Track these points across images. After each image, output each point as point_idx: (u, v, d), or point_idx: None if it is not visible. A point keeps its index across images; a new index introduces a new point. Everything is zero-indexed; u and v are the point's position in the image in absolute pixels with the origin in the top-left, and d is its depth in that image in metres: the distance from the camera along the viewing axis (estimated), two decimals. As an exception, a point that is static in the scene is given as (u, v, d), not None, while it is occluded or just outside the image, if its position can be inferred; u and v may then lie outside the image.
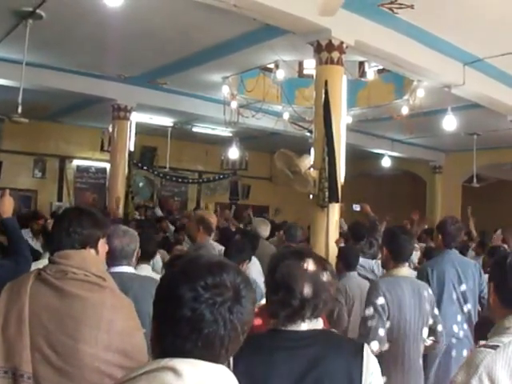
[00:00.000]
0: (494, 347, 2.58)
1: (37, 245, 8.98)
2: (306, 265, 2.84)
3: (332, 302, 2.98)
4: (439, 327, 4.85)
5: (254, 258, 7.32)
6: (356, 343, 3.03)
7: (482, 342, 2.83)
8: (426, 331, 4.73)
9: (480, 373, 2.50)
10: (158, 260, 8.02)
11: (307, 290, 2.79)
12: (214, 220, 7.74)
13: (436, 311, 4.85)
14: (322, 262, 2.93)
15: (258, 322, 3.33)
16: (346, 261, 7.00)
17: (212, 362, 1.79)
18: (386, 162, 22.50)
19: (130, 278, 4.46)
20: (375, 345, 4.33)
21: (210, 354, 1.79)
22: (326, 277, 2.87)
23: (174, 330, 1.78)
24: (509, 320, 2.75)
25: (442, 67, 11.44)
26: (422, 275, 5.77)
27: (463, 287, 5.89)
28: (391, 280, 4.73)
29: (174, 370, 1.71)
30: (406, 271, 4.85)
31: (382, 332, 4.43)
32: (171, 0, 8.97)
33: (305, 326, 2.80)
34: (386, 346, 4.49)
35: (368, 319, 4.50)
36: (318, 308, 2.82)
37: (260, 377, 2.70)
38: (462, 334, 5.82)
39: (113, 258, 4.44)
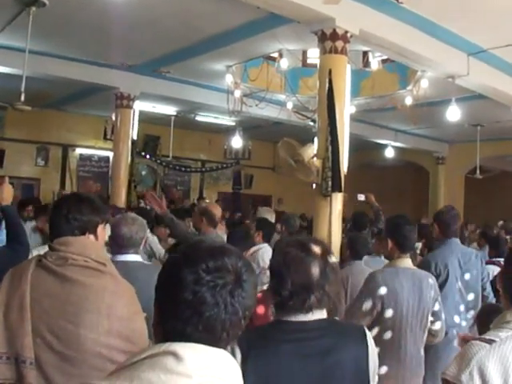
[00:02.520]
0: (490, 341, 2.51)
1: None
2: (313, 255, 2.83)
3: (337, 291, 2.98)
4: (437, 325, 4.83)
5: (267, 246, 7.37)
6: (358, 328, 3.03)
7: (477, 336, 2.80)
8: (428, 323, 4.71)
9: (471, 367, 2.43)
10: (159, 248, 8.07)
11: (315, 281, 2.78)
12: (217, 211, 7.72)
13: (437, 307, 4.80)
14: (327, 253, 2.92)
15: (260, 310, 3.32)
16: (354, 249, 6.97)
17: (213, 346, 1.78)
18: (390, 153, 22.51)
19: (136, 266, 4.46)
20: None
21: (210, 338, 1.78)
22: (331, 267, 2.87)
23: (175, 313, 1.77)
24: (511, 313, 2.64)
25: (447, 57, 11.41)
26: (426, 268, 5.72)
27: (467, 276, 5.86)
28: (390, 271, 4.70)
29: (175, 355, 1.70)
30: (407, 262, 4.80)
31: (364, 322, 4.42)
32: (175, -12, 8.94)
33: (312, 316, 2.78)
34: (387, 335, 4.49)
35: (364, 313, 4.48)
36: (325, 297, 2.81)
37: (271, 372, 2.68)
38: (464, 324, 5.80)
39: (120, 246, 4.46)
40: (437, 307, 4.79)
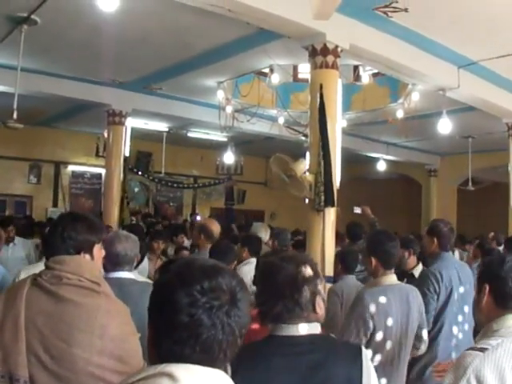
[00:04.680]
0: (483, 350, 2.59)
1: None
2: (301, 269, 2.85)
3: (325, 305, 2.98)
4: (424, 333, 4.82)
5: (254, 261, 7.36)
6: (354, 347, 3.03)
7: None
8: (414, 336, 4.69)
9: (468, 376, 2.51)
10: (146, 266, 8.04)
11: (304, 295, 2.80)
12: (216, 227, 7.71)
13: (422, 321, 4.79)
14: (315, 267, 2.94)
15: (255, 326, 3.32)
16: (345, 264, 6.97)
17: (210, 367, 1.78)
18: (382, 166, 22.57)
19: (129, 283, 4.44)
20: None
21: (208, 359, 1.77)
22: (319, 281, 2.89)
23: (172, 335, 1.76)
24: (497, 323, 2.77)
25: (437, 70, 11.46)
26: (432, 279, 5.68)
27: (461, 289, 5.84)
28: (377, 290, 4.61)
29: (171, 376, 1.70)
30: (392, 278, 4.75)
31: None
32: (165, 5, 8.94)
33: (303, 331, 2.79)
34: (377, 358, 4.43)
35: (356, 334, 4.44)
36: (314, 312, 2.82)
37: None
38: (461, 335, 5.78)
39: (115, 263, 4.44)
40: (421, 322, 4.79)
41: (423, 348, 4.92)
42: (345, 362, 2.77)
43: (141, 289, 4.23)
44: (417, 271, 6.70)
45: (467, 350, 2.71)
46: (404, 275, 6.28)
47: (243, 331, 1.84)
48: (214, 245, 6.75)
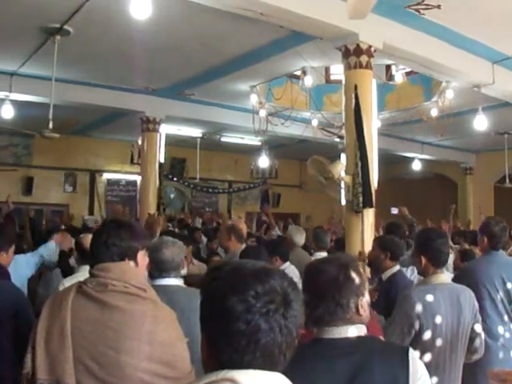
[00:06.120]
0: None
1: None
2: (343, 271, 2.83)
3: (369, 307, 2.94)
4: (477, 341, 4.66)
5: (288, 265, 7.33)
6: (400, 348, 2.98)
7: None
8: (467, 340, 4.57)
9: None
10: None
11: (346, 297, 2.78)
12: (244, 227, 7.65)
13: (477, 322, 4.60)
14: (358, 268, 2.92)
15: (302, 331, 3.30)
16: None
17: (271, 371, 1.76)
18: (417, 165, 22.44)
19: (177, 290, 4.44)
20: None
21: (269, 363, 1.75)
22: (362, 282, 2.86)
23: (230, 344, 1.74)
24: None
25: (471, 67, 11.36)
26: (471, 278, 5.59)
27: (509, 285, 5.73)
28: (425, 289, 4.50)
29: (234, 381, 1.68)
30: (443, 277, 4.64)
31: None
32: (196, 11, 8.95)
33: (347, 333, 2.77)
34: (426, 357, 4.35)
35: (402, 334, 4.35)
36: (358, 314, 2.80)
37: None
38: (508, 335, 5.67)
39: (162, 270, 4.44)
40: (476, 323, 4.60)
41: (480, 352, 4.71)
42: (390, 364, 2.72)
43: (188, 296, 4.21)
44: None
45: None
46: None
47: (299, 331, 1.83)
48: (244, 250, 6.67)
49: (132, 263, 3.26)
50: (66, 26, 9.84)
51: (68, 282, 5.41)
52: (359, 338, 2.79)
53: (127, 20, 8.82)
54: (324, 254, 8.11)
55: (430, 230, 4.99)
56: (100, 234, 3.28)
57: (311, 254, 9.00)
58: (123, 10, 8.40)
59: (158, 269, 4.40)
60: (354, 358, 2.69)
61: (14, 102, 13.33)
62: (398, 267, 6.05)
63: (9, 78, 12.66)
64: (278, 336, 1.74)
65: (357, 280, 2.86)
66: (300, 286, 3.13)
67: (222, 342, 1.76)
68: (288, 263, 7.39)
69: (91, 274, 3.13)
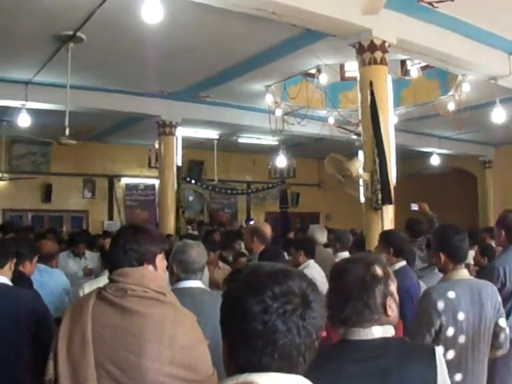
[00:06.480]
0: None
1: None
2: (369, 271, 2.80)
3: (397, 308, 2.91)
4: (501, 336, 4.59)
5: (313, 263, 7.33)
6: (427, 348, 2.94)
7: None
8: (491, 335, 4.51)
9: None
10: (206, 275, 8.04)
11: (373, 297, 2.76)
12: (267, 229, 7.66)
13: (500, 317, 4.52)
14: (385, 267, 2.89)
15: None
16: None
17: (290, 373, 1.74)
18: (435, 160, 22.35)
19: (201, 292, 4.45)
20: None
21: (288, 365, 1.74)
22: (390, 282, 2.83)
23: (248, 345, 1.73)
24: None
25: (487, 59, 11.29)
26: (493, 275, 5.54)
27: None
28: (445, 285, 4.45)
29: None
30: (463, 273, 4.57)
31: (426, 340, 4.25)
32: (209, 13, 8.94)
33: (375, 334, 2.74)
34: (450, 354, 4.30)
35: (423, 332, 4.31)
36: (386, 315, 2.78)
37: None
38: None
39: (189, 271, 4.44)
40: (500, 317, 4.53)
41: (506, 347, 4.62)
42: (418, 365, 2.70)
43: (213, 299, 4.20)
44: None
45: None
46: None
47: (319, 333, 1.80)
48: (262, 251, 6.72)
49: (151, 267, 3.26)
50: (78, 33, 9.89)
51: (88, 286, 5.48)
52: (386, 339, 2.77)
53: (139, 24, 8.81)
54: (346, 254, 8.11)
55: (447, 227, 4.91)
56: (118, 240, 3.28)
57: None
58: (135, 15, 8.41)
59: (184, 270, 4.41)
60: (382, 361, 2.67)
61: (31, 111, 13.46)
62: (402, 263, 5.93)
63: (24, 87, 12.76)
64: (296, 337, 1.72)
65: (384, 280, 2.83)
66: (325, 285, 3.12)
67: (239, 344, 1.76)
68: (312, 260, 7.41)
69: (110, 280, 3.14)
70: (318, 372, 2.50)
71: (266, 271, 1.83)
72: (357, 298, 2.76)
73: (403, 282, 5.62)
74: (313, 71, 13.22)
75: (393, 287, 2.86)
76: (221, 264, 9.03)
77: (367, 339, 2.73)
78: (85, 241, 10.31)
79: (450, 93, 13.90)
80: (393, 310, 2.81)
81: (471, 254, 8.97)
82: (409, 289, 5.50)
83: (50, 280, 6.97)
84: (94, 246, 10.37)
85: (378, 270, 2.83)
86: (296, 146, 20.20)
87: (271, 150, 20.50)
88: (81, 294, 5.38)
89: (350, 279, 2.81)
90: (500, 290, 4.95)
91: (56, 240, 10.31)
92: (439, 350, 3.59)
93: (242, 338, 1.74)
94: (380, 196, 8.58)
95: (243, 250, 9.71)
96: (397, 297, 2.88)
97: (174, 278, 4.47)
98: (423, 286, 5.34)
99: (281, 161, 19.92)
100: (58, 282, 7.24)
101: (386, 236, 6.33)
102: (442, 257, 4.58)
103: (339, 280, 2.87)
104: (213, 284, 7.66)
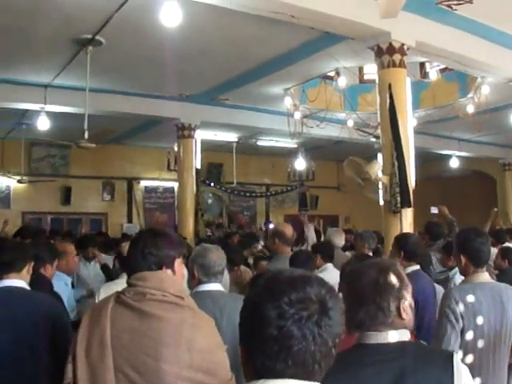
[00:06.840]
0: None
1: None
2: (383, 275, 2.80)
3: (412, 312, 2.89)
4: None
5: (331, 266, 7.32)
6: (445, 353, 2.92)
7: None
8: (511, 338, 4.46)
9: None
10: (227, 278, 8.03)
11: (387, 301, 2.75)
12: (288, 230, 7.65)
13: None
14: (399, 272, 2.88)
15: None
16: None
17: (307, 380, 1.74)
18: (454, 163, 22.22)
19: (221, 295, 4.48)
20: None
21: (303, 372, 1.74)
22: (404, 286, 2.82)
23: (263, 350, 1.74)
24: None
25: (506, 61, 11.23)
26: None
27: None
28: (465, 288, 4.44)
29: None
30: (484, 276, 4.53)
31: (454, 342, 4.22)
32: (227, 16, 8.96)
33: (391, 338, 2.73)
34: (469, 359, 4.27)
35: (447, 335, 4.28)
36: (400, 318, 2.76)
37: None
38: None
39: (209, 274, 4.47)
40: None
41: None
42: (435, 370, 2.67)
43: (234, 302, 4.21)
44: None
45: None
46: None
47: (337, 341, 1.80)
48: (293, 255, 6.75)
49: (169, 271, 3.26)
50: (97, 37, 9.94)
51: (105, 288, 5.48)
52: (403, 343, 2.75)
53: (158, 28, 8.85)
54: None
55: (468, 230, 4.88)
56: (136, 244, 3.28)
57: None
58: (153, 18, 8.45)
59: (205, 274, 4.43)
60: (398, 364, 2.65)
61: (50, 114, 13.53)
62: (415, 267, 5.86)
63: (43, 90, 12.83)
64: (311, 344, 1.72)
65: (398, 283, 2.82)
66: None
67: (255, 348, 1.77)
68: (330, 264, 7.41)
69: (129, 284, 3.14)
70: (335, 378, 2.50)
71: (286, 277, 1.83)
72: (370, 301, 2.75)
73: (414, 287, 5.61)
74: (331, 74, 13.19)
75: (407, 291, 2.85)
76: (242, 267, 9.04)
77: (383, 343, 2.72)
78: (95, 244, 10.24)
79: (470, 95, 13.85)
80: (407, 313, 2.79)
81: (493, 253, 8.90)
82: (420, 293, 5.47)
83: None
84: (110, 249, 10.33)
85: (392, 274, 2.83)
86: (315, 148, 20.20)
87: (290, 153, 20.52)
88: (97, 295, 5.41)
89: (363, 282, 2.81)
90: None
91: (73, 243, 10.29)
92: (458, 355, 3.58)
93: (258, 342, 1.75)
94: (399, 199, 8.56)
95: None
96: (412, 301, 2.87)
97: (195, 282, 4.49)
98: (440, 291, 5.29)
99: (300, 163, 19.94)
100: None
101: (398, 239, 6.29)
102: (463, 259, 4.56)
103: (353, 283, 2.89)
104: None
